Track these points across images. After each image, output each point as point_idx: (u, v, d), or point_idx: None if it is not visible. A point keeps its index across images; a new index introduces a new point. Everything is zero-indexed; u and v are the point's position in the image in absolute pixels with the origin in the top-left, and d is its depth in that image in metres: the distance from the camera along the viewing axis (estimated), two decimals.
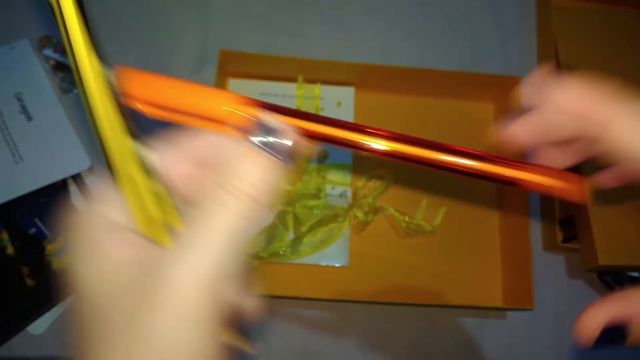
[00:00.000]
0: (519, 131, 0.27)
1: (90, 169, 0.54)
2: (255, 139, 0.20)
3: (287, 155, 0.20)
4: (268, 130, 0.20)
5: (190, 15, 0.61)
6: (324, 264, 0.54)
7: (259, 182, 0.19)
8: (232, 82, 0.57)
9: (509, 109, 0.57)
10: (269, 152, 0.20)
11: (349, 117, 0.57)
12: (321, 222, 0.53)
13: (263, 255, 0.53)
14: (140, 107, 0.21)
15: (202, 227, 0.19)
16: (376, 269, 0.55)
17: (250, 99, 0.21)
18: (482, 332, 0.55)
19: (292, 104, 0.57)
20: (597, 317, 0.24)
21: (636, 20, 0.59)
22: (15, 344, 0.50)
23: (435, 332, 0.54)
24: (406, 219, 0.54)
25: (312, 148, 0.22)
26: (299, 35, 0.61)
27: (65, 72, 0.56)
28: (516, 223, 0.53)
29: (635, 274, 0.53)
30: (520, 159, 0.22)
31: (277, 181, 0.20)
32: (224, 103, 0.20)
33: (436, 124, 0.59)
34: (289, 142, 0.20)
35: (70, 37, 0.18)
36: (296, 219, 0.53)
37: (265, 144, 0.20)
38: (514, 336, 0.55)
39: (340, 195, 0.55)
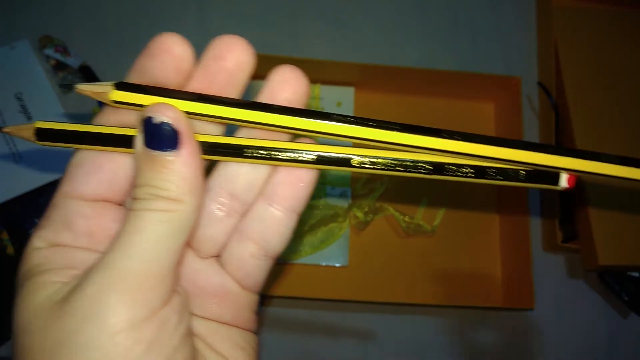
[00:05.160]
0: None
1: None
2: (140, 136, 0.19)
3: (175, 140, 0.19)
4: (147, 122, 0.19)
5: (190, 15, 0.61)
6: (324, 264, 0.54)
7: (161, 182, 0.19)
8: None
9: (509, 109, 0.57)
10: (155, 147, 0.19)
11: None
12: (321, 222, 0.53)
13: None
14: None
15: (120, 241, 0.18)
16: (376, 269, 0.55)
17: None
18: (482, 332, 0.55)
19: None
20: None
21: (636, 21, 0.59)
22: None
23: (435, 332, 0.54)
24: (406, 219, 0.54)
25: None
26: (299, 35, 0.61)
27: (65, 72, 0.56)
28: (516, 223, 0.53)
29: (635, 274, 0.53)
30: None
31: (180, 170, 0.19)
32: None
33: (436, 124, 0.59)
34: (168, 125, 0.19)
35: None
36: None
37: (150, 138, 0.19)
38: (514, 336, 0.55)
39: (340, 195, 0.55)
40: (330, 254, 0.54)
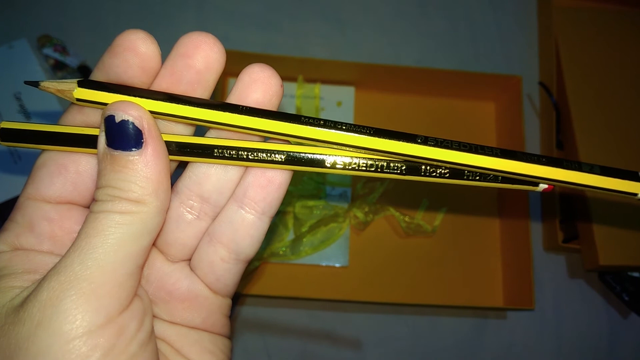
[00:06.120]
0: None
1: None
2: (102, 136, 0.19)
3: (138, 139, 0.18)
4: (108, 121, 0.18)
5: (189, 15, 0.61)
6: (324, 264, 0.54)
7: (123, 183, 0.18)
8: (232, 82, 0.57)
9: (510, 109, 0.57)
10: (117, 147, 0.18)
11: (349, 117, 0.57)
12: (321, 222, 0.53)
13: (263, 255, 0.53)
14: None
15: (79, 241, 0.18)
16: (376, 269, 0.55)
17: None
18: (482, 332, 0.54)
19: (292, 104, 0.57)
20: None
21: (637, 20, 0.59)
22: None
23: (435, 332, 0.54)
24: (406, 219, 0.54)
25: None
26: (299, 35, 0.61)
27: (64, 71, 0.56)
28: (517, 223, 0.53)
29: (635, 274, 0.53)
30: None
31: (143, 170, 0.18)
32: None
33: (436, 124, 0.59)
34: (131, 123, 0.18)
35: None
36: (296, 219, 0.53)
37: (111, 137, 0.18)
38: (514, 336, 0.55)
39: (340, 195, 0.55)
40: (330, 254, 0.54)
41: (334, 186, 0.56)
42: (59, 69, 0.56)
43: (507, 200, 0.57)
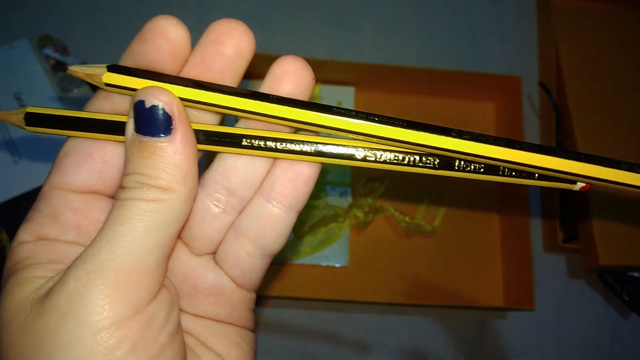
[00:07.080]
0: None
1: None
2: (131, 122, 0.18)
3: (168, 125, 0.18)
4: (138, 106, 0.18)
5: (190, 15, 0.61)
6: (324, 264, 0.54)
7: (151, 170, 0.18)
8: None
9: (510, 109, 0.57)
10: (146, 133, 0.18)
11: None
12: (321, 222, 0.53)
13: None
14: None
15: (106, 230, 0.17)
16: (376, 269, 0.55)
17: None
18: (482, 332, 0.55)
19: None
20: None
21: (636, 21, 0.59)
22: None
23: (435, 332, 0.54)
24: (406, 219, 0.54)
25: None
26: (299, 35, 0.61)
27: (65, 71, 0.56)
28: (517, 223, 0.53)
29: (635, 274, 0.53)
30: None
31: (172, 157, 0.18)
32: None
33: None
34: (160, 109, 0.18)
35: None
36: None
37: (141, 122, 0.18)
38: (514, 336, 0.55)
39: (340, 195, 0.55)
40: (330, 254, 0.54)
41: (334, 186, 0.56)
42: (59, 69, 0.56)
43: (507, 201, 0.57)
